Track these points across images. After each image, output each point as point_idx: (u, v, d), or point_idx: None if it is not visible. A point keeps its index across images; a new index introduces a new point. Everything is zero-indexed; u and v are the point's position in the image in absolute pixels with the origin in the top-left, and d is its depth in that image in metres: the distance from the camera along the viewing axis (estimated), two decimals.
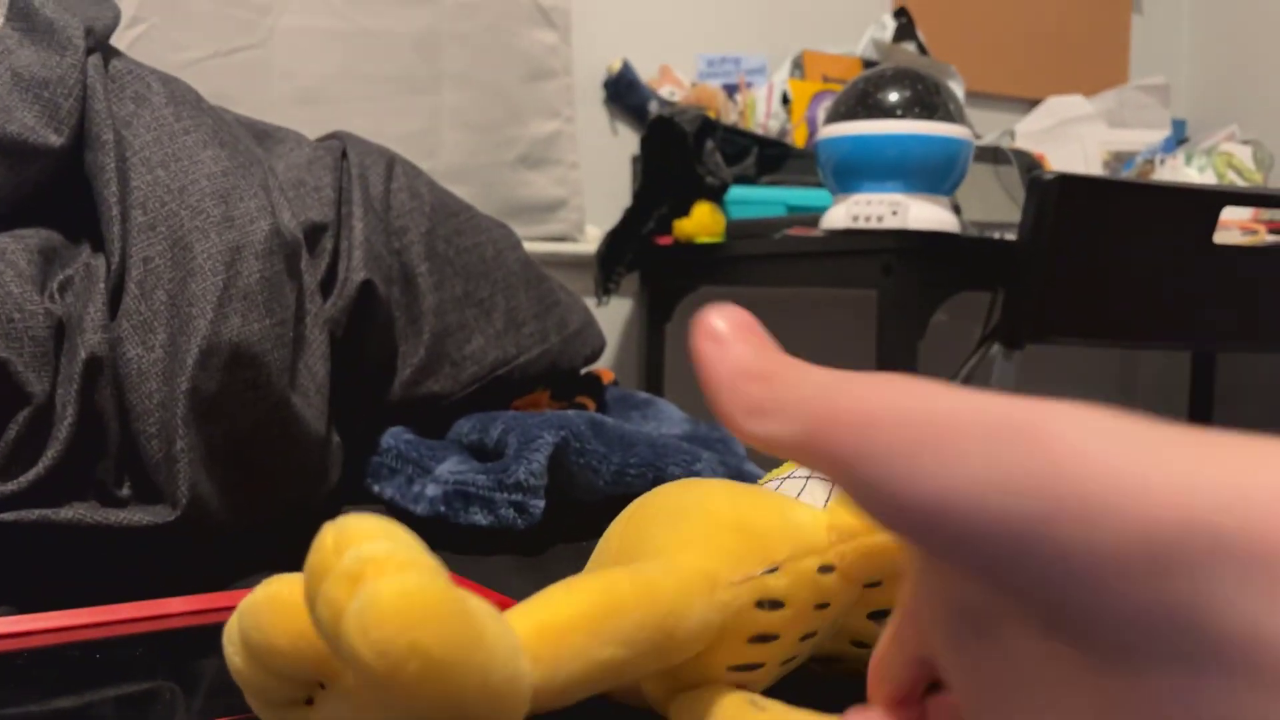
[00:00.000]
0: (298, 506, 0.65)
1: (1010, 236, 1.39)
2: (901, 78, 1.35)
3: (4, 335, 0.53)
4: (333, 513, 0.69)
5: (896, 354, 1.25)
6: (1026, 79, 2.74)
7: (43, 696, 0.43)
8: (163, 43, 1.45)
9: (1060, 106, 2.45)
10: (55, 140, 0.62)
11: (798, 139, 2.12)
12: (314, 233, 0.70)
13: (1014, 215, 1.36)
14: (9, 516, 0.52)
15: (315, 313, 0.67)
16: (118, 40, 0.75)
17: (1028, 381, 1.36)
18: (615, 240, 1.85)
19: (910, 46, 2.30)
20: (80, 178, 0.63)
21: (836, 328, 2.22)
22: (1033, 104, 2.62)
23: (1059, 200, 1.25)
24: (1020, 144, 2.22)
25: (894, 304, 1.31)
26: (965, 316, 1.79)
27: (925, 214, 1.27)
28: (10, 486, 0.53)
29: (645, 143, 1.84)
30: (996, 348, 1.29)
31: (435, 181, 0.83)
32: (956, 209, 1.42)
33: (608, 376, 0.92)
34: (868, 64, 2.23)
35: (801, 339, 1.72)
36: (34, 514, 0.53)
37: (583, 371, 0.90)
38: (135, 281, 0.58)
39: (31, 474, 0.53)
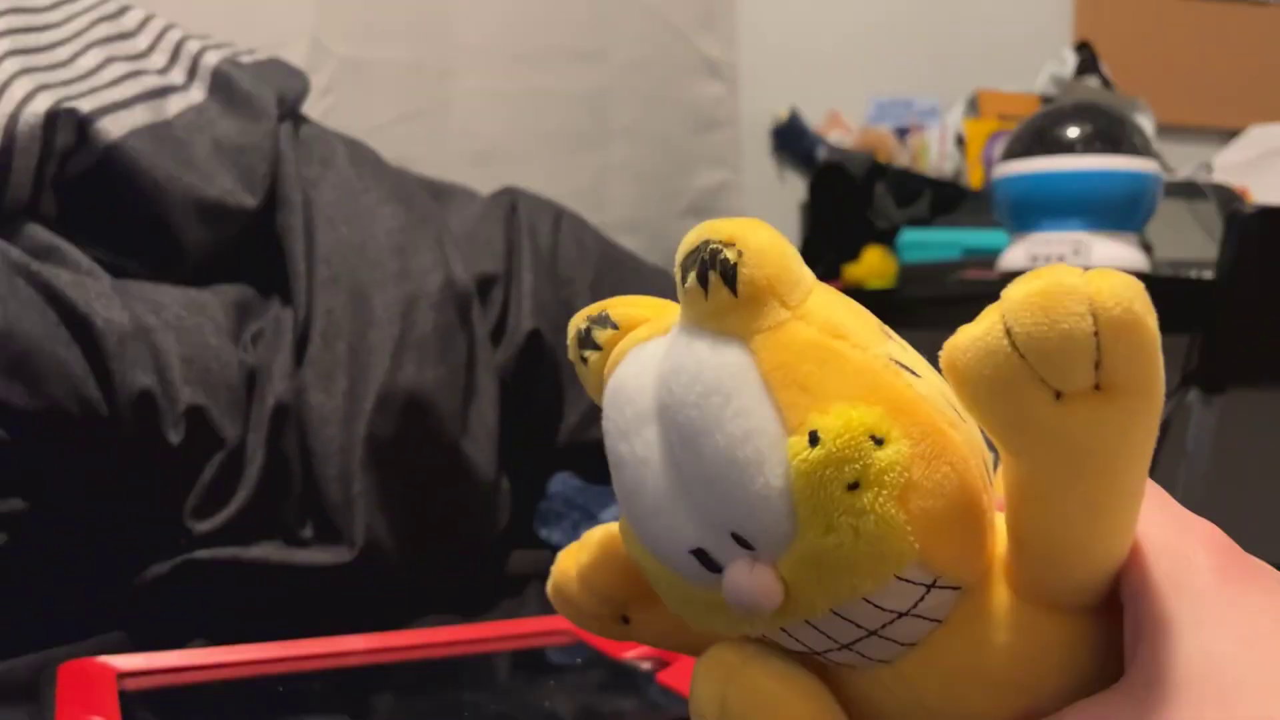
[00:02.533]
0: (468, 548, 0.66)
1: (1209, 275, 1.30)
2: (1082, 111, 1.29)
3: (202, 384, 0.57)
4: (501, 556, 0.71)
5: None
6: (1225, 108, 2.57)
7: None
8: (351, 110, 1.55)
9: (1264, 136, 2.29)
10: (251, 202, 0.67)
11: (973, 180, 2.06)
12: (485, 284, 0.72)
13: (1212, 253, 1.27)
14: (204, 554, 0.56)
15: (486, 360, 0.69)
16: (311, 109, 0.80)
17: (1229, 429, 1.26)
18: None
19: (1093, 81, 2.21)
20: (271, 236, 0.67)
21: None
22: (1232, 134, 2.45)
23: (1262, 235, 1.16)
24: (1219, 177, 2.09)
25: None
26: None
27: (1110, 253, 1.21)
28: (206, 525, 0.56)
29: (813, 189, 1.82)
30: (1194, 394, 1.21)
31: (601, 233, 0.85)
32: (1147, 247, 1.34)
33: None
34: (1046, 100, 2.15)
35: None
36: (226, 552, 0.56)
37: None
38: (319, 332, 0.61)
39: (224, 514, 0.57)
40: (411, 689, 0.51)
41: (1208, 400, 1.18)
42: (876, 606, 0.24)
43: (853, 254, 1.77)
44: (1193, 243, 1.68)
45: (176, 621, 0.55)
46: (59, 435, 0.53)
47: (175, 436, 0.55)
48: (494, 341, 0.72)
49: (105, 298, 0.56)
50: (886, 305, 1.74)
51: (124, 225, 0.65)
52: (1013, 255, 1.41)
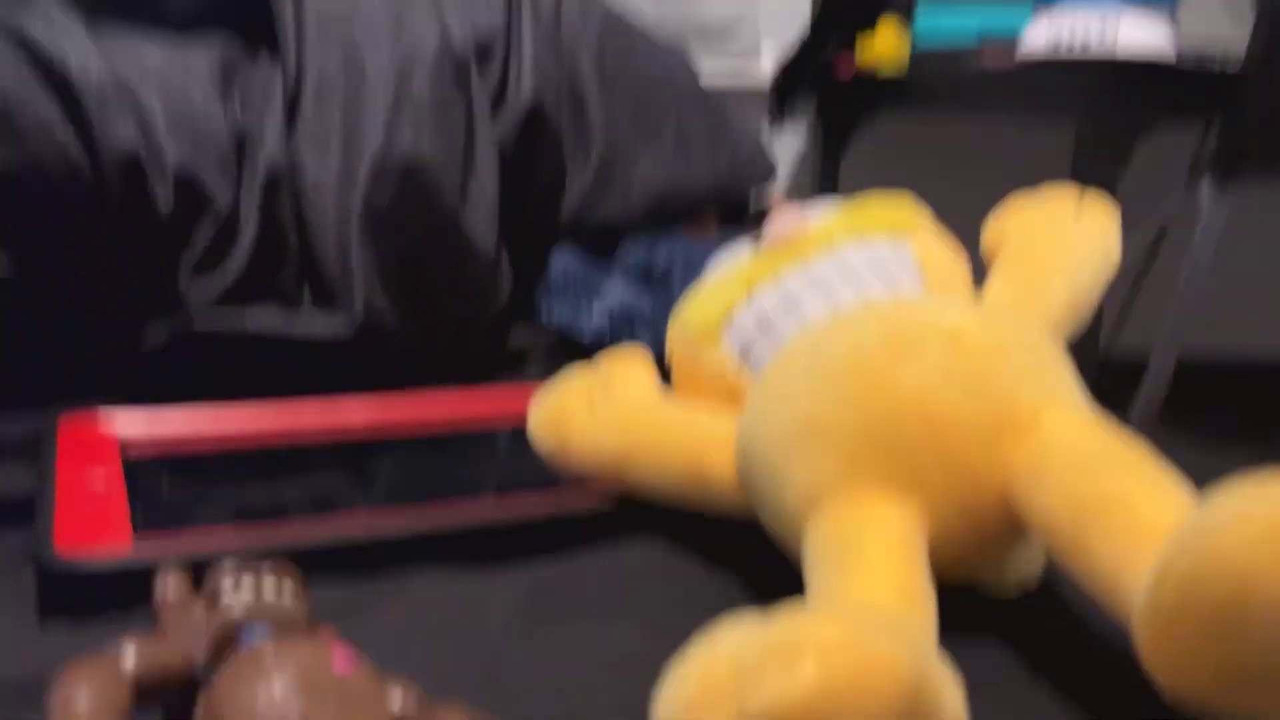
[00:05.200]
0: (468, 324, 0.66)
1: (1233, 60, 1.25)
2: None
3: (190, 142, 0.54)
4: (503, 332, 0.70)
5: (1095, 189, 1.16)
6: None
7: (236, 484, 0.45)
8: None
9: None
10: None
11: None
12: (483, 50, 0.68)
13: (1242, 35, 1.21)
14: (201, 320, 0.55)
15: (485, 132, 0.66)
16: None
17: (1240, 228, 1.24)
18: (791, 68, 1.76)
19: None
20: None
21: (1029, 162, 2.08)
22: None
23: None
24: None
25: (1094, 134, 1.20)
26: (1170, 156, 1.63)
27: (1136, 34, 1.15)
28: (202, 291, 0.55)
29: None
30: (1205, 185, 1.18)
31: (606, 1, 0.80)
32: (1172, 25, 1.28)
33: (779, 203, 0.88)
34: None
35: (990, 174, 1.62)
36: (224, 320, 0.55)
37: (753, 200, 0.86)
38: (310, 95, 0.58)
39: (220, 281, 0.56)
40: (412, 454, 0.51)
41: (1219, 192, 1.16)
42: None
43: (869, 22, 1.69)
44: (1221, 21, 1.60)
45: (177, 391, 0.55)
46: (45, 197, 0.51)
47: (164, 202, 0.53)
48: (493, 112, 0.69)
49: (84, 51, 0.53)
50: (897, 92, 1.68)
51: None
52: (1034, 35, 1.34)
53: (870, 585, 0.29)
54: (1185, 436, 0.62)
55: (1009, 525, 0.33)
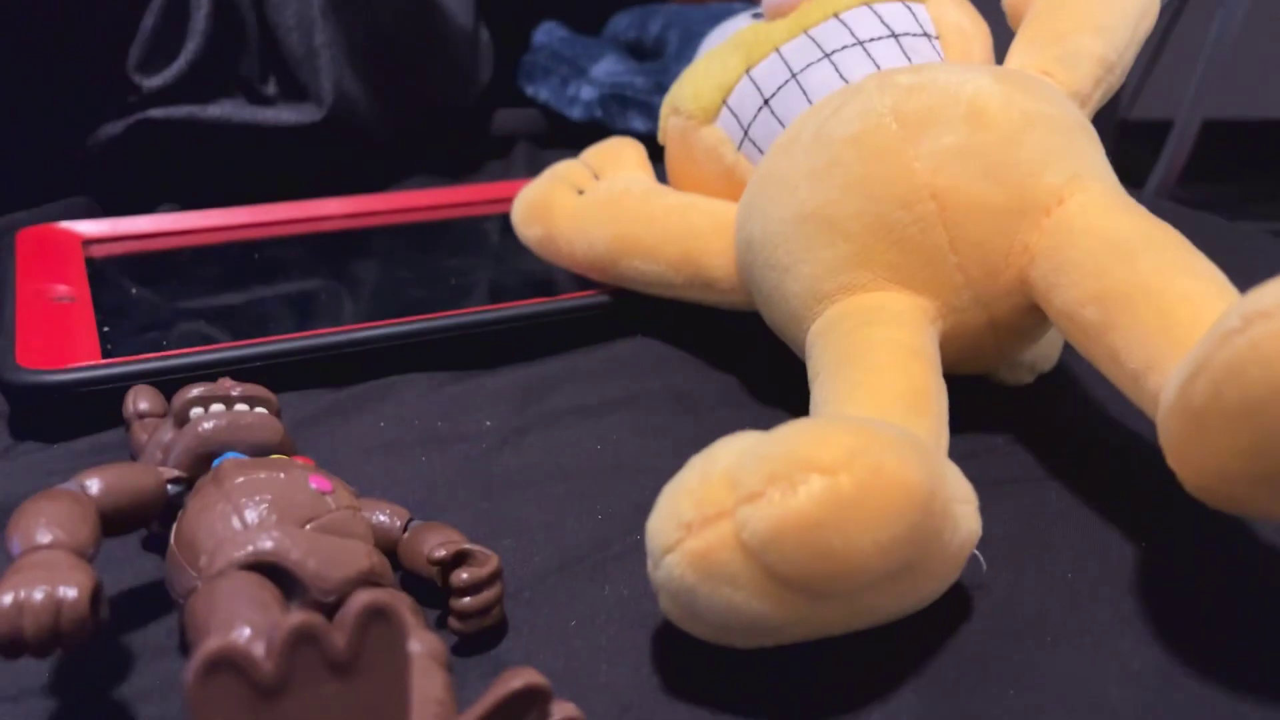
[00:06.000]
0: (448, 108, 0.62)
1: None
2: None
3: None
4: (485, 115, 0.66)
5: None
6: None
7: (208, 292, 0.43)
8: None
9: None
10: None
11: None
12: None
13: None
14: (158, 113, 0.51)
15: None
16: None
17: (1261, 28, 1.16)
18: None
19: None
20: None
21: None
22: None
23: None
24: None
25: None
26: None
27: None
28: (155, 80, 0.51)
29: None
30: None
31: None
32: None
33: None
34: None
35: None
36: (182, 110, 0.52)
37: None
38: None
39: (174, 68, 0.51)
40: (394, 253, 0.49)
41: None
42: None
43: None
44: None
45: (140, 189, 0.52)
46: None
47: None
48: None
49: None
50: None
51: None
52: None
53: (879, 386, 0.27)
54: (1206, 204, 0.59)
55: (1029, 316, 0.31)
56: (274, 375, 0.34)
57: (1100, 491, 0.30)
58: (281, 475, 0.25)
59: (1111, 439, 0.33)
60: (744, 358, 0.38)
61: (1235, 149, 1.51)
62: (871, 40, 0.36)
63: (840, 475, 0.20)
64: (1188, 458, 0.24)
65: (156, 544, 0.28)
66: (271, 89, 0.55)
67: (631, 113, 0.61)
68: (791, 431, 0.22)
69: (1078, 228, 0.29)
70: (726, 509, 0.21)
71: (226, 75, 0.54)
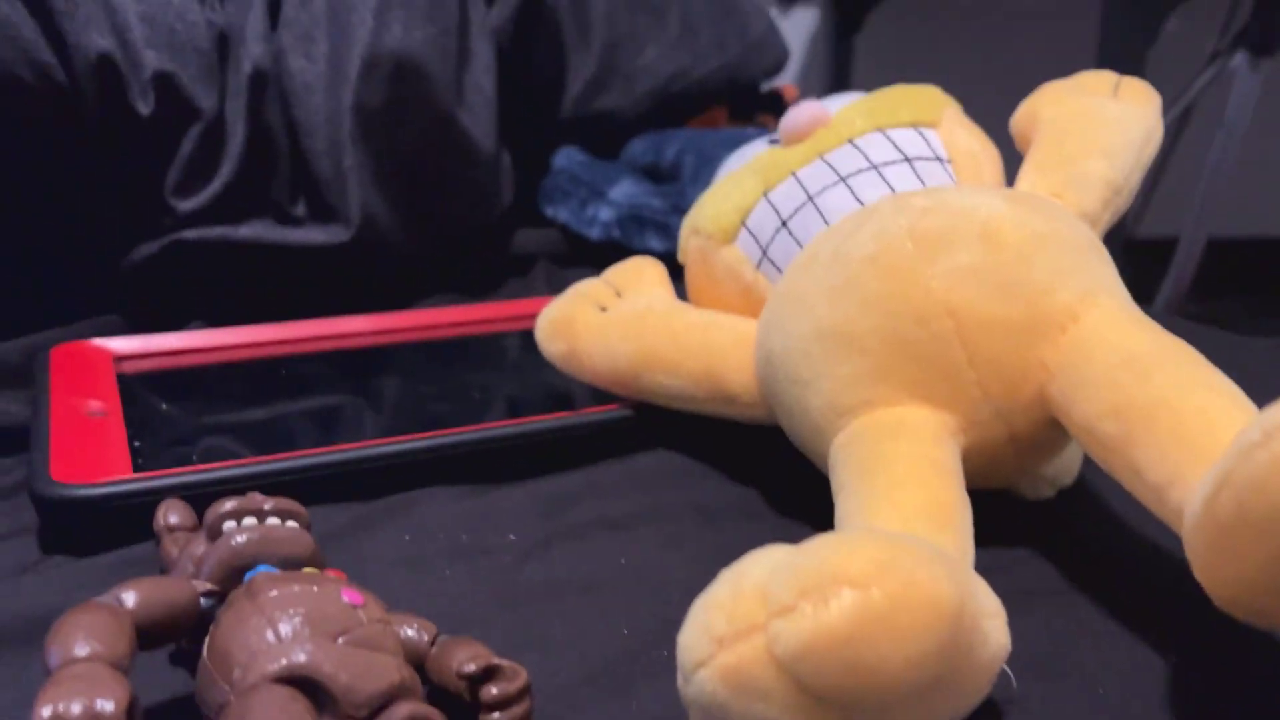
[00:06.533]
0: (471, 228, 0.63)
1: None
2: None
3: (168, 47, 0.51)
4: (506, 235, 0.68)
5: (1121, 66, 1.11)
6: None
7: (237, 407, 0.44)
8: None
9: None
10: None
11: None
12: None
13: None
14: (192, 234, 0.53)
15: (480, 22, 0.62)
16: None
17: (1276, 98, 1.20)
18: None
19: None
20: None
21: (1050, 39, 2.01)
22: None
23: None
24: None
25: (1121, 5, 1.15)
26: (1200, 27, 1.57)
27: None
28: (190, 203, 0.53)
29: None
30: (1240, 57, 1.13)
31: None
32: None
33: (791, 93, 0.85)
34: None
35: (1009, 54, 1.56)
36: (215, 231, 0.53)
37: (764, 89, 0.83)
38: None
39: (209, 191, 0.53)
40: (417, 370, 0.50)
41: (1255, 64, 1.11)
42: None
43: None
44: None
45: (172, 307, 0.53)
46: (17, 106, 0.48)
47: (144, 107, 0.51)
48: (488, 1, 0.65)
49: None
50: None
51: None
52: None
53: (902, 501, 0.28)
54: (1214, 319, 0.60)
55: (1048, 431, 0.32)
56: (301, 489, 0.35)
57: (1127, 605, 0.30)
58: (315, 589, 0.25)
59: (1135, 551, 0.33)
60: (764, 469, 0.39)
61: (1241, 266, 1.53)
62: (885, 164, 0.38)
63: (871, 589, 0.21)
64: (1215, 571, 0.24)
65: (185, 659, 0.28)
66: (300, 210, 0.57)
67: (649, 233, 0.63)
68: (822, 545, 0.22)
69: (1093, 344, 0.30)
70: (758, 623, 0.21)
71: (258, 197, 0.56)
